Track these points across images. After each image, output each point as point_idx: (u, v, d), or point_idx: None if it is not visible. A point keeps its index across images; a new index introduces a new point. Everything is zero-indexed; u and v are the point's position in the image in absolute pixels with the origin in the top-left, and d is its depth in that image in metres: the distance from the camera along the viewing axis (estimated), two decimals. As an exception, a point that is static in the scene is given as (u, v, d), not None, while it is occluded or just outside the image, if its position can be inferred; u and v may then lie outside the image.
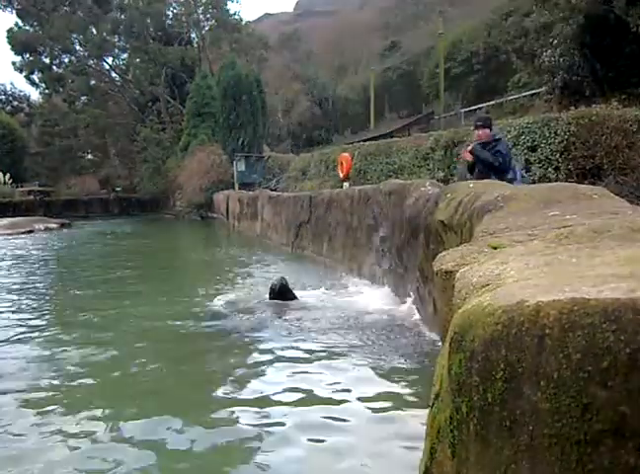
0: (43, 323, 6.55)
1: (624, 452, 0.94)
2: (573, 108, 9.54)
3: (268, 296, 6.92)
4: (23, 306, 7.56)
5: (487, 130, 6.50)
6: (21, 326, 6.27)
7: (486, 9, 30.93)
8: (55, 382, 4.35)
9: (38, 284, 9.58)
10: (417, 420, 3.33)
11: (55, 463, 3.05)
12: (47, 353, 5.19)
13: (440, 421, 1.42)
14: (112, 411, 3.76)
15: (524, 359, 1.07)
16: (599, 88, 12.04)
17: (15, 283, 9.70)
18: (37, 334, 5.93)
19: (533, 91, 19.15)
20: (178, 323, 6.12)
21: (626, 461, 0.94)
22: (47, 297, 8.37)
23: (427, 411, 1.62)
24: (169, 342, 5.49)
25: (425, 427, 1.61)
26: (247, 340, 5.38)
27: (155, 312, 6.73)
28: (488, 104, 23.36)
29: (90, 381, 4.37)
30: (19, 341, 5.63)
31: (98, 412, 3.74)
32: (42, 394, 4.09)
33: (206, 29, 40.56)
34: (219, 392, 4.06)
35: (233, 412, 3.67)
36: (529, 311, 1.09)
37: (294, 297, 6.87)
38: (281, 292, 6.81)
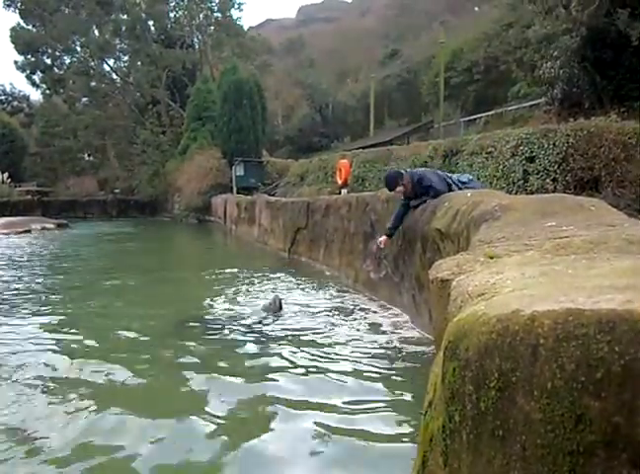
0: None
1: (617, 464, 0.94)
2: (572, 119, 9.55)
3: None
4: None
5: (400, 187, 6.21)
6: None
7: (487, 19, 31.05)
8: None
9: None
10: (409, 428, 3.32)
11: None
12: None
13: (432, 429, 1.41)
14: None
15: (518, 369, 1.07)
16: (598, 100, 12.08)
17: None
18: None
19: (533, 102, 19.19)
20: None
21: (619, 473, 0.93)
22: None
23: (419, 419, 1.61)
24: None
25: (417, 435, 1.61)
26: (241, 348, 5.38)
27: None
28: (487, 114, 23.42)
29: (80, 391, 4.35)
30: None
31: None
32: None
33: (208, 33, 40.61)
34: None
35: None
36: (524, 321, 1.09)
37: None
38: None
